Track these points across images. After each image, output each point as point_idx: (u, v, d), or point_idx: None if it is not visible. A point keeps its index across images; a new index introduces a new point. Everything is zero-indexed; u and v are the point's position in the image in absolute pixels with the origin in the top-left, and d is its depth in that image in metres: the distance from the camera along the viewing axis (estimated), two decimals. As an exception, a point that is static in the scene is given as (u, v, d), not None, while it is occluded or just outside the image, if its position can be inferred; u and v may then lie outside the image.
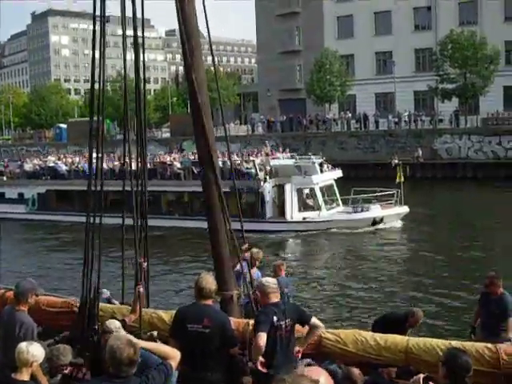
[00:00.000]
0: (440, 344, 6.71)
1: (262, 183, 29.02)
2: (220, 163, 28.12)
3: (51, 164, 37.97)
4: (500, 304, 9.01)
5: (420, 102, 57.28)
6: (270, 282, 6.71)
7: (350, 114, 54.08)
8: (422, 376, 5.07)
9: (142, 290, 8.02)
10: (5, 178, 38.29)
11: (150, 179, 29.44)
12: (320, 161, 30.89)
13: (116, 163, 32.83)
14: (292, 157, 33.48)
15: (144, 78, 8.20)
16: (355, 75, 59.06)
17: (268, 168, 29.79)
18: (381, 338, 7.07)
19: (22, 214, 35.74)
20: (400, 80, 53.78)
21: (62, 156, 43.34)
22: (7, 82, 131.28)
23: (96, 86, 8.26)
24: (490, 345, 6.76)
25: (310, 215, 28.92)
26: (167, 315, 8.08)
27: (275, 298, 6.62)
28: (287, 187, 28.77)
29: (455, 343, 6.73)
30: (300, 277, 20.50)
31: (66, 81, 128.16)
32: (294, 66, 65.23)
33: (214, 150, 8.30)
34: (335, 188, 30.52)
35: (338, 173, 31.59)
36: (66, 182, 35.14)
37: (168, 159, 34.45)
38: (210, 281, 6.60)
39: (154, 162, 33.60)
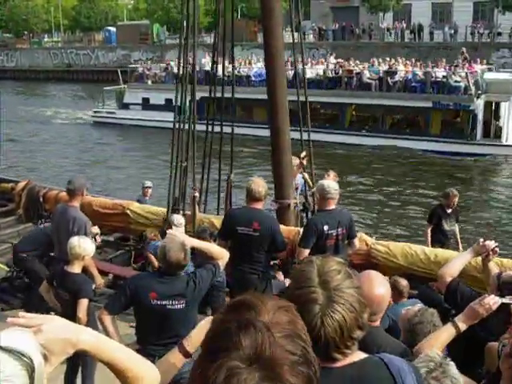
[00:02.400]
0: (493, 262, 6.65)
1: (474, 99, 25.73)
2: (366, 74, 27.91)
3: (207, 68, 32.58)
4: None
5: (479, 13, 54.82)
6: (331, 186, 6.58)
7: (404, 24, 52.23)
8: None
9: (196, 194, 8.23)
10: (149, 82, 34.63)
11: (334, 88, 29.11)
12: None
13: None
14: (489, 69, 30.58)
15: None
16: (412, -17, 56.68)
17: (479, 82, 26.57)
18: (431, 251, 7.08)
19: (169, 122, 33.63)
20: (459, -11, 51.46)
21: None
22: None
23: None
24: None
25: None
26: (218, 220, 8.21)
27: (332, 204, 6.56)
28: (504, 106, 25.79)
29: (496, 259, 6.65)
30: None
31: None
32: (349, -28, 62.88)
33: (279, 54, 8.09)
34: None
35: None
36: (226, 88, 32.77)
37: (356, 68, 30.42)
38: (260, 184, 6.61)
39: (334, 70, 30.65)
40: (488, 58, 43.73)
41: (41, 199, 10.73)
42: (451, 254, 7.03)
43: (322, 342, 1.87)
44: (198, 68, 31.20)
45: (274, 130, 8.03)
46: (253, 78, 31.92)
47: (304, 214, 8.90)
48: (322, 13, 61.49)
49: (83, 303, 5.77)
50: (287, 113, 8.09)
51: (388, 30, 52.38)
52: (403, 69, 28.95)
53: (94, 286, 6.51)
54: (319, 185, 6.77)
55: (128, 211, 9.71)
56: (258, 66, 32.64)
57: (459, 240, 10.13)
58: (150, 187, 12.10)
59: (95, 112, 35.77)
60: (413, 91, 27.35)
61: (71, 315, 5.36)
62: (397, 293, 5.94)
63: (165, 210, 9.58)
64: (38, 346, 1.50)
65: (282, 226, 7.67)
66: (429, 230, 9.81)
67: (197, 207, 8.65)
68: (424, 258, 7.01)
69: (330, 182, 6.78)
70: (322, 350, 1.86)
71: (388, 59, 31.27)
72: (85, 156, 27.99)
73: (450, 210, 9.84)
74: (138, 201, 11.28)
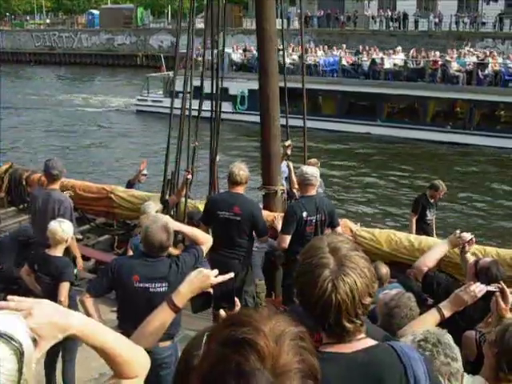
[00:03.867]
0: (475, 250, 6.70)
1: None
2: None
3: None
4: None
5: (464, 2, 54.88)
6: (310, 172, 6.60)
7: (389, 13, 52.25)
8: None
9: (189, 176, 8.25)
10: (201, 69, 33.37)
11: (415, 81, 26.86)
12: None
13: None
14: None
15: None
16: (398, -29, 56.61)
17: None
18: (415, 239, 7.12)
19: (225, 113, 31.06)
20: (444, -22, 51.47)
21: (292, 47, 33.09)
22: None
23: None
24: (524, 252, 6.74)
25: None
26: (202, 205, 8.20)
27: (312, 190, 6.57)
28: None
29: (490, 249, 6.71)
30: None
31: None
32: (335, -41, 62.63)
33: (272, 38, 8.06)
34: None
35: None
36: (289, 77, 30.65)
37: (441, 58, 27.85)
38: (241, 168, 6.62)
39: (416, 61, 28.47)
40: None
41: (24, 182, 10.62)
42: (435, 242, 7.07)
43: (334, 308, 1.87)
44: (251, 55, 30.82)
45: (265, 117, 8.02)
46: (323, 68, 29.49)
47: (288, 202, 8.92)
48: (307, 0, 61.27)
49: (65, 286, 5.73)
50: (278, 100, 8.08)
51: (373, 17, 52.36)
52: (492, 61, 26.45)
53: (75, 271, 6.48)
54: (299, 171, 6.78)
55: (112, 195, 9.65)
56: (324, 54, 30.81)
57: (434, 228, 10.23)
58: (145, 175, 12.02)
59: (139, 100, 33.41)
60: (505, 85, 25.17)
61: (52, 299, 5.30)
62: (375, 279, 5.95)
63: (149, 194, 9.55)
64: (28, 330, 1.48)
65: (267, 212, 7.69)
66: (414, 220, 9.87)
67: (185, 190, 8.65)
68: (408, 245, 7.05)
69: (310, 168, 6.78)
70: (333, 318, 1.87)
71: (467, 49, 30.13)
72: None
73: (433, 201, 9.94)
74: (131, 184, 11.17)
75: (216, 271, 2.82)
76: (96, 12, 66.66)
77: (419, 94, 26.35)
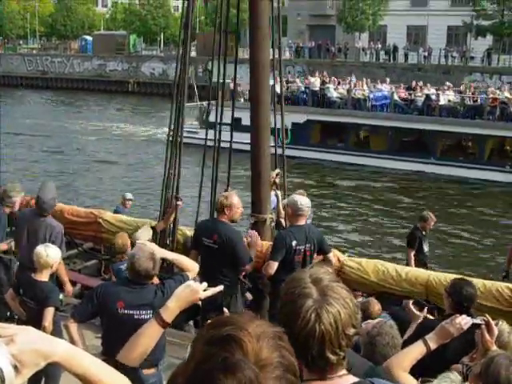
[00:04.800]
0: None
1: None
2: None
3: (316, 88, 29.71)
4: None
5: (453, 37, 55.69)
6: (304, 203, 6.63)
7: (379, 45, 52.92)
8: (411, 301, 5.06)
9: (180, 203, 8.28)
10: (242, 100, 29.60)
11: (472, 118, 25.88)
12: None
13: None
14: None
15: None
16: (389, 5, 57.32)
17: None
18: (402, 269, 7.14)
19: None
20: (434, 13, 52.22)
21: (330, 79, 32.06)
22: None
23: None
24: (510, 285, 6.79)
25: None
26: (191, 232, 8.20)
27: (302, 220, 6.60)
28: None
29: (476, 280, 6.74)
30: None
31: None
32: (327, -8, 63.49)
33: (265, 69, 8.12)
34: None
35: None
36: (337, 111, 28.18)
37: (501, 95, 26.91)
38: (225, 195, 6.71)
39: (473, 98, 27.72)
40: (460, 82, 44.50)
41: None
42: (422, 273, 7.11)
43: (317, 338, 1.84)
44: (295, 87, 29.77)
45: (256, 146, 8.07)
46: (373, 102, 28.50)
47: (276, 231, 8.93)
48: (298, 30, 61.99)
49: (50, 311, 5.67)
50: (269, 129, 8.13)
51: (363, 49, 52.99)
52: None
53: (61, 296, 6.43)
54: (291, 200, 6.79)
55: (100, 220, 9.61)
56: (378, 88, 29.79)
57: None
58: (131, 199, 12.05)
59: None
60: None
61: (36, 324, 5.26)
62: (365, 315, 5.94)
63: (138, 219, 9.54)
64: (9, 356, 1.47)
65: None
66: (412, 254, 9.87)
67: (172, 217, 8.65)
68: (395, 275, 7.07)
69: (303, 199, 6.80)
70: (316, 350, 1.84)
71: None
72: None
73: (425, 233, 10.01)
74: (116, 211, 11.20)
75: (205, 284, 2.80)
76: (89, 38, 67.03)
77: (477, 131, 25.65)
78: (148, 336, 2.87)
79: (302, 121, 27.78)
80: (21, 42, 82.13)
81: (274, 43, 8.65)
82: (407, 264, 9.61)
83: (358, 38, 55.22)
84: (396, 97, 28.35)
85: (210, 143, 9.02)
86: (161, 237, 8.53)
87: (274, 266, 6.44)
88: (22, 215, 7.86)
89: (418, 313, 4.69)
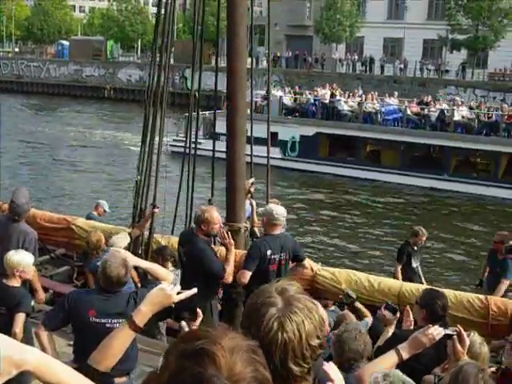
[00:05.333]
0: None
1: None
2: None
3: (326, 100, 28.89)
4: (502, 264, 9.15)
5: (428, 50, 56.34)
6: (280, 213, 6.64)
7: (356, 56, 53.36)
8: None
9: (156, 210, 8.27)
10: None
11: (487, 135, 25.35)
12: None
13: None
14: None
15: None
16: (366, 17, 57.91)
17: None
18: (375, 279, 7.18)
19: (273, 159, 28.02)
20: (410, 27, 52.81)
21: (338, 91, 31.04)
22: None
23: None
24: (481, 296, 6.86)
25: None
26: (164, 239, 8.19)
27: (277, 229, 6.62)
28: None
29: (447, 291, 6.80)
30: None
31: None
32: (304, 2, 63.82)
33: (242, 77, 8.15)
34: None
35: None
36: (348, 125, 27.61)
37: None
38: (203, 210, 6.65)
39: (488, 114, 27.30)
40: (435, 94, 45.02)
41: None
42: (394, 283, 7.16)
43: (279, 348, 1.80)
44: (305, 99, 28.65)
45: (232, 154, 8.08)
46: (385, 117, 27.84)
47: (250, 241, 8.93)
48: (275, 40, 62.23)
49: (20, 317, 5.61)
50: (245, 138, 8.16)
51: (340, 60, 53.40)
52: None
53: (33, 302, 6.36)
54: (267, 210, 6.80)
55: (73, 226, 9.54)
56: (386, 102, 29.15)
57: (422, 275, 10.12)
58: (105, 210, 11.89)
59: (175, 140, 29.35)
60: None
61: (7, 330, 5.20)
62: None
63: (111, 226, 9.48)
64: None
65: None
66: (399, 269, 9.83)
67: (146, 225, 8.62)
68: (368, 285, 7.11)
69: (278, 208, 6.81)
70: (278, 359, 1.80)
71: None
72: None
73: (416, 248, 9.89)
74: (89, 217, 11.11)
75: (178, 287, 2.75)
76: (66, 43, 66.65)
77: (491, 148, 25.23)
78: (120, 340, 2.83)
79: (310, 133, 27.41)
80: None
81: (251, 52, 8.69)
82: (394, 278, 9.61)
83: (335, 48, 55.66)
84: (409, 111, 27.77)
85: (216, 154, 9.03)
86: (134, 244, 8.48)
87: (247, 274, 6.44)
88: None
89: (390, 317, 4.72)
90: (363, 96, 30.10)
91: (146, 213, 8.48)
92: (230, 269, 6.56)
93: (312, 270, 7.53)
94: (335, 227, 20.94)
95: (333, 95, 29.46)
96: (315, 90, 30.77)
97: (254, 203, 8.95)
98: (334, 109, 28.14)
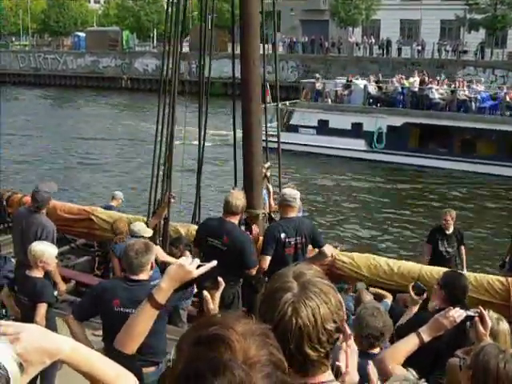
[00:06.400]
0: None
1: None
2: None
3: (415, 88, 27.42)
4: None
5: (446, 31, 55.73)
6: (289, 193, 6.62)
7: (373, 40, 52.95)
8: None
9: (172, 199, 8.27)
10: (329, 101, 28.46)
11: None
12: None
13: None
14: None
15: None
16: (381, -1, 57.44)
17: None
18: (394, 263, 7.16)
19: (358, 151, 26.55)
20: (427, 7, 52.22)
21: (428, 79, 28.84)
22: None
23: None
24: (501, 278, 6.82)
25: None
26: (184, 228, 8.22)
27: (291, 212, 6.58)
28: None
29: (467, 274, 6.78)
30: None
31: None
32: (319, -13, 63.42)
33: (256, 65, 8.11)
34: None
35: None
36: (441, 114, 25.70)
37: None
38: (239, 197, 6.56)
39: None
40: (454, 75, 44.57)
41: (4, 202, 10.57)
42: (413, 266, 7.14)
43: (294, 333, 1.81)
44: (392, 88, 27.20)
45: (247, 141, 8.06)
46: (481, 104, 26.14)
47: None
48: (291, 25, 61.91)
49: (42, 307, 5.70)
50: (261, 124, 8.14)
51: (357, 44, 53.02)
52: None
53: (56, 293, 6.44)
54: (281, 193, 6.81)
55: (93, 217, 9.62)
56: (474, 89, 27.31)
57: (464, 263, 9.88)
58: (121, 199, 11.99)
59: None
60: None
61: (30, 320, 5.27)
62: (358, 303, 6.00)
63: (130, 216, 9.54)
64: (14, 355, 1.45)
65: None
66: (426, 249, 9.79)
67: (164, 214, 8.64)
68: (387, 269, 7.10)
69: (291, 191, 6.80)
70: (294, 344, 1.81)
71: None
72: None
73: (449, 231, 9.57)
74: (108, 208, 11.22)
75: (197, 261, 2.72)
76: (82, 34, 66.82)
77: None
78: (142, 319, 2.81)
79: (399, 124, 26.01)
80: (13, 38, 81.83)
81: (263, 38, 8.65)
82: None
83: (351, 32, 55.22)
84: (508, 98, 25.91)
85: (292, 147, 8.92)
86: (161, 234, 8.53)
87: (266, 260, 6.44)
88: (18, 213, 7.94)
89: (416, 297, 4.72)
90: (459, 82, 28.33)
91: (164, 202, 8.49)
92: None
93: (331, 255, 7.53)
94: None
95: (422, 82, 27.84)
96: (401, 78, 29.29)
97: (270, 188, 8.95)
98: (424, 97, 26.60)
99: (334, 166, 25.85)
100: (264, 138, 8.64)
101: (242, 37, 7.94)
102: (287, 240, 6.44)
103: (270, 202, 8.72)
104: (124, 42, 63.05)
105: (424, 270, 6.98)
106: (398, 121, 25.95)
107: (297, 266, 1.97)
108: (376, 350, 4.00)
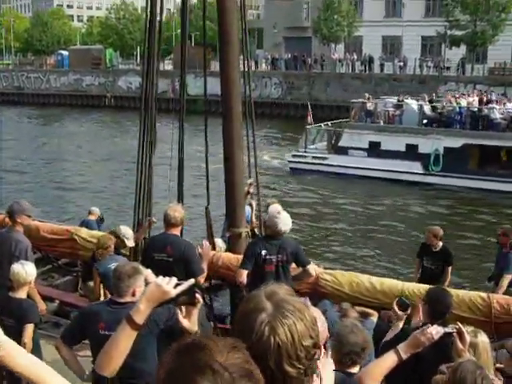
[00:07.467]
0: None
1: None
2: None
3: (475, 108, 26.30)
4: (505, 258, 9.14)
5: (427, 47, 56.41)
6: (285, 225, 6.58)
7: (355, 56, 53.42)
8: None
9: (154, 219, 8.27)
10: (381, 122, 27.24)
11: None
12: None
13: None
14: None
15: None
16: (363, 16, 57.96)
17: None
18: (377, 280, 7.19)
19: (413, 174, 25.31)
20: (408, 24, 52.87)
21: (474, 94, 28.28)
22: (8, 5, 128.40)
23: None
24: (483, 294, 6.87)
25: None
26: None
27: (275, 230, 6.61)
28: None
29: (449, 289, 6.82)
30: None
31: (68, 7, 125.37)
32: (302, 4, 63.85)
33: (235, 83, 8.16)
34: None
35: None
36: (505, 135, 24.26)
37: None
38: (177, 209, 6.70)
39: None
40: (435, 91, 44.98)
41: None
42: (395, 284, 7.17)
43: (273, 351, 1.81)
44: (450, 107, 25.64)
45: (229, 161, 8.09)
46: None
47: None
48: (274, 42, 62.31)
49: (29, 327, 5.68)
50: (241, 142, 8.16)
51: (339, 60, 53.47)
52: None
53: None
54: (271, 219, 6.76)
55: (75, 236, 9.57)
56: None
57: (446, 283, 9.37)
58: (97, 214, 12.09)
59: (295, 156, 27.55)
60: None
61: (16, 342, 5.22)
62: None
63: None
64: None
65: (229, 255, 7.70)
66: (416, 265, 9.86)
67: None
68: (370, 287, 7.12)
69: (276, 208, 6.86)
70: (273, 362, 1.81)
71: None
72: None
73: (436, 249, 9.43)
74: (87, 222, 11.30)
75: (174, 280, 2.73)
76: (65, 53, 66.84)
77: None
78: (121, 341, 2.81)
79: (457, 145, 24.60)
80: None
81: (244, 55, 8.68)
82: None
83: (333, 49, 55.69)
84: None
85: (341, 170, 8.85)
86: (134, 252, 8.47)
87: (242, 273, 6.49)
88: None
89: (401, 313, 4.74)
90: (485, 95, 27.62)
91: (144, 224, 8.43)
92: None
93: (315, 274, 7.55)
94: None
95: (481, 102, 27.09)
96: (457, 97, 28.14)
97: (253, 204, 8.96)
98: (483, 117, 25.49)
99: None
100: (252, 153, 8.68)
101: (221, 55, 8.02)
102: (268, 257, 6.46)
103: (252, 219, 8.74)
104: (107, 60, 63.19)
105: (405, 286, 7.02)
106: (456, 142, 24.68)
107: (268, 287, 1.97)
108: (356, 369, 3.99)
